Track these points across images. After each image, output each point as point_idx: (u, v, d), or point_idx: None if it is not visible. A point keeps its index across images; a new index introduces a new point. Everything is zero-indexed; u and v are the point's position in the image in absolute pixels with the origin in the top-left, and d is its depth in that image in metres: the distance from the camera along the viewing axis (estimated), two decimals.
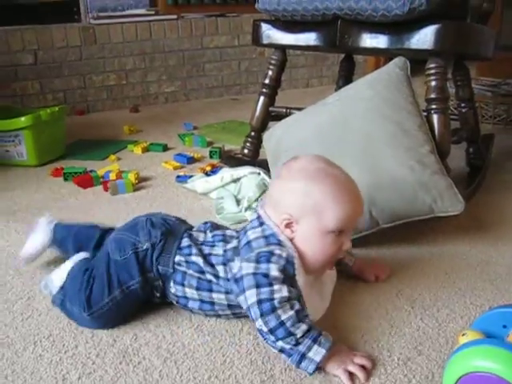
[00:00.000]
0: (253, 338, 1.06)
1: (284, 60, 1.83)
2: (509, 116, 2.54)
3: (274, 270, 0.98)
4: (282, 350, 0.96)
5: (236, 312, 1.08)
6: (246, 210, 1.59)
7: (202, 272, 1.07)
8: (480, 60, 1.84)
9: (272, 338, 0.96)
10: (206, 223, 1.19)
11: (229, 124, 2.61)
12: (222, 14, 3.40)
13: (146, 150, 2.32)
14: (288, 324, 0.95)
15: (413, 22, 1.48)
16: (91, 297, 1.09)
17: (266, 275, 0.98)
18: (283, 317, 0.96)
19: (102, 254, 1.16)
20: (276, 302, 0.96)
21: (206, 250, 1.10)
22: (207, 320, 1.12)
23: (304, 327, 0.96)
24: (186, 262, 1.09)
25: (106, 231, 1.27)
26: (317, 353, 0.94)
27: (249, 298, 0.99)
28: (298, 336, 0.95)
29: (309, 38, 1.67)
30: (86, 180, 1.91)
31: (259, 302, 0.97)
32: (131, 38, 3.17)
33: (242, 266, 1.01)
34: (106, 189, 1.86)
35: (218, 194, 1.72)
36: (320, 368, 0.95)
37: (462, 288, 1.23)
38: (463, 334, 0.88)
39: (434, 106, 1.51)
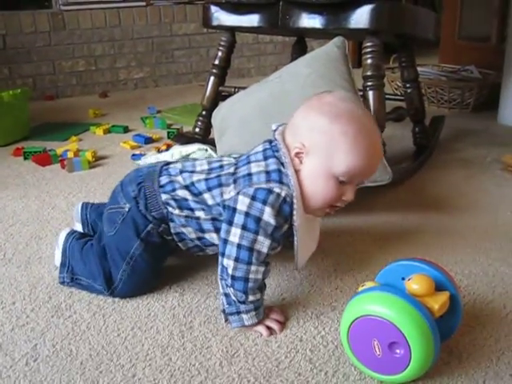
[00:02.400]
0: (178, 295, 1.13)
1: (233, 41, 1.88)
2: (463, 100, 2.62)
3: (268, 215, 0.97)
4: (226, 295, 1.00)
5: None
6: None
7: (191, 209, 1.07)
8: (423, 42, 1.90)
9: (229, 281, 0.99)
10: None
11: (191, 107, 2.66)
12: (190, 1, 3.44)
13: (107, 131, 2.37)
14: (250, 285, 0.98)
15: (349, 3, 1.54)
16: (107, 277, 1.11)
17: (258, 219, 0.97)
18: (251, 275, 0.98)
19: (102, 232, 1.16)
20: (254, 256, 0.98)
21: (187, 179, 1.08)
22: None
23: (258, 296, 1.01)
24: (174, 199, 1.08)
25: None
26: (250, 318, 1.00)
27: (232, 233, 0.98)
28: (249, 299, 1.00)
29: (252, 20, 1.72)
30: (44, 158, 1.97)
31: (239, 246, 0.97)
32: (100, 25, 3.21)
33: (238, 199, 0.98)
34: (63, 166, 1.92)
35: None
36: None
37: (386, 252, 1.30)
38: (362, 285, 0.95)
39: (369, 83, 1.58)
